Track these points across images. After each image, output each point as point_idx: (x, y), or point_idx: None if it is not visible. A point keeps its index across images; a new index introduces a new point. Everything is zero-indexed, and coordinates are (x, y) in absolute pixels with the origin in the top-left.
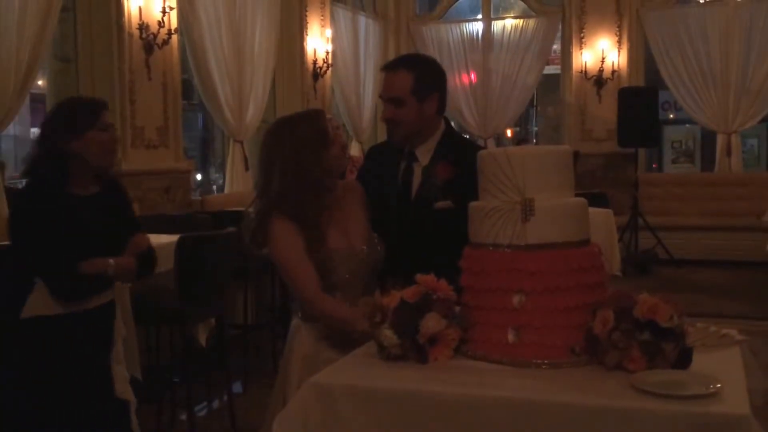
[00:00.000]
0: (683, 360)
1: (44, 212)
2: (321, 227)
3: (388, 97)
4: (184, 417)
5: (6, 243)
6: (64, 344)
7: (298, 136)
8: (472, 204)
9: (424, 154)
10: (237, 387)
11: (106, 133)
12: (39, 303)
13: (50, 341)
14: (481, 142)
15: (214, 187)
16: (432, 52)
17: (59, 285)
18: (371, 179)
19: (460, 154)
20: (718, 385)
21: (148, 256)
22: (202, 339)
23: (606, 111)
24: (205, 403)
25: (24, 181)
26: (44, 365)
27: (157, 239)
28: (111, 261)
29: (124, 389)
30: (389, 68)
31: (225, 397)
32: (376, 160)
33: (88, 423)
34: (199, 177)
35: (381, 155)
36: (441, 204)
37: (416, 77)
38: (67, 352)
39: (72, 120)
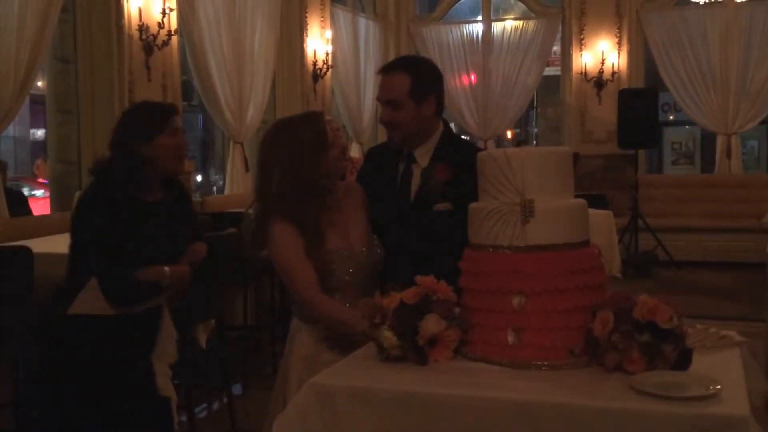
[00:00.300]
0: (683, 361)
1: (110, 215)
2: (320, 228)
3: (385, 100)
4: (183, 418)
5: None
6: (109, 344)
7: (297, 138)
8: (472, 205)
9: (422, 156)
10: (237, 388)
11: (176, 137)
12: (89, 301)
13: (95, 339)
14: (481, 144)
15: (214, 188)
16: (432, 54)
17: (115, 289)
18: (370, 181)
19: (459, 156)
20: (718, 387)
21: (204, 264)
22: (202, 340)
23: (606, 112)
24: (204, 405)
25: (91, 181)
26: (87, 362)
27: None
28: (167, 269)
29: (165, 386)
30: (386, 71)
31: (225, 399)
32: (376, 161)
33: (130, 420)
34: (199, 178)
35: (380, 156)
36: (440, 206)
37: (413, 79)
38: (110, 352)
39: (142, 125)
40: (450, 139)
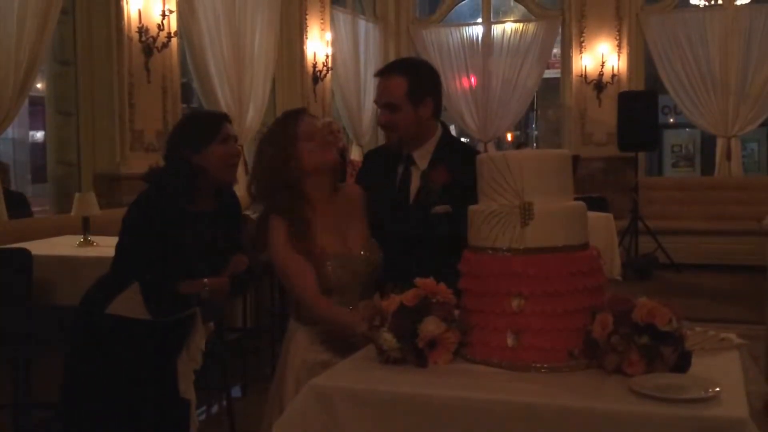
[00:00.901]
0: (682, 364)
1: (160, 223)
2: (314, 229)
3: (383, 103)
4: None
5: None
6: (140, 346)
7: (271, 132)
8: (471, 207)
9: (422, 158)
10: (236, 391)
11: (227, 146)
12: (127, 304)
13: (127, 341)
14: (481, 146)
15: None
16: (432, 56)
17: (155, 299)
18: (369, 182)
19: (458, 158)
20: (717, 389)
21: (243, 279)
22: (202, 343)
23: (606, 115)
24: (204, 407)
25: (145, 187)
26: (113, 362)
27: None
28: (206, 282)
29: (187, 388)
30: (383, 74)
31: (224, 401)
32: (375, 163)
33: (150, 420)
34: None
35: (379, 158)
36: (439, 208)
37: (410, 82)
38: (141, 354)
39: (193, 134)
40: (449, 141)
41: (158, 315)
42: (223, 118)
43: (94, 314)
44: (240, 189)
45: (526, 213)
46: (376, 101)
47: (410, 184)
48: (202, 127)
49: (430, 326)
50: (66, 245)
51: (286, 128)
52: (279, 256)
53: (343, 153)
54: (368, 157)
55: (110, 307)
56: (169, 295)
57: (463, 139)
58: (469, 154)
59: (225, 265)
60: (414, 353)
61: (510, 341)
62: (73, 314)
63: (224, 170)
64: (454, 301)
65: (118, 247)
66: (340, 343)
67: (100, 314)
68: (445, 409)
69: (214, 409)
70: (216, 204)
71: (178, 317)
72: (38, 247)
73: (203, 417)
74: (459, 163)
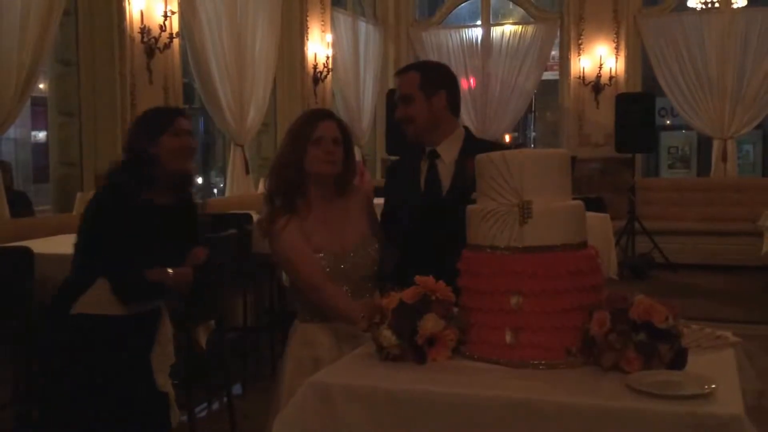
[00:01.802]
0: (678, 361)
1: (120, 215)
2: (309, 227)
3: (398, 96)
4: (184, 418)
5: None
6: (109, 343)
7: (290, 128)
8: (470, 207)
9: (447, 152)
10: (236, 389)
11: (180, 138)
12: (93, 301)
13: (95, 340)
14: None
15: (215, 190)
16: (431, 58)
17: (124, 286)
18: (395, 189)
19: (490, 150)
20: (713, 386)
21: (206, 269)
22: (202, 341)
23: (603, 117)
24: (205, 405)
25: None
26: (87, 361)
27: None
28: (170, 271)
29: (164, 382)
30: (399, 72)
31: (225, 399)
32: (396, 171)
33: (128, 415)
34: (199, 180)
35: (400, 166)
36: (476, 194)
37: (422, 75)
38: (111, 350)
39: (148, 126)
40: (475, 139)
41: (128, 302)
42: (177, 112)
43: (61, 316)
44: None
45: (524, 212)
46: (395, 101)
47: (439, 178)
48: (156, 119)
49: (430, 324)
50: (67, 244)
51: (303, 126)
52: (286, 245)
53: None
54: (389, 171)
55: (75, 306)
56: (137, 282)
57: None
58: (498, 147)
59: (184, 257)
60: (413, 350)
61: (508, 339)
62: (42, 318)
63: (175, 161)
64: (453, 299)
65: (78, 246)
66: (342, 342)
67: (66, 315)
68: (444, 405)
69: (215, 406)
70: (174, 198)
71: (144, 312)
72: (40, 246)
73: (204, 414)
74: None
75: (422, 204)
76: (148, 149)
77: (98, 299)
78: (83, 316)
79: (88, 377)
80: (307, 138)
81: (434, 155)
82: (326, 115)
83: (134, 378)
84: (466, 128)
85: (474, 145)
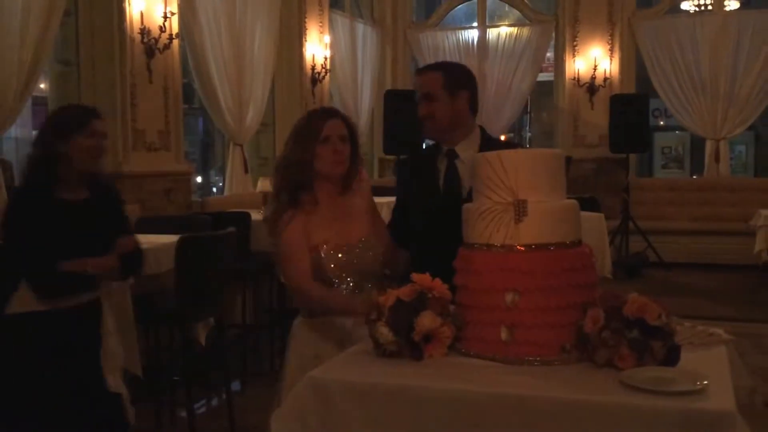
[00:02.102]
0: (671, 358)
1: (30, 214)
2: (314, 223)
3: (422, 94)
4: (183, 415)
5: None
6: (49, 341)
7: (296, 124)
8: (466, 205)
9: (465, 151)
10: (235, 386)
11: (93, 139)
12: (23, 300)
13: (34, 338)
14: None
15: (214, 189)
16: (428, 59)
17: (40, 282)
18: (409, 191)
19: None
20: (705, 382)
21: (135, 255)
22: (202, 338)
23: (598, 117)
24: (204, 402)
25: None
26: (31, 361)
27: (158, 240)
28: (90, 261)
29: (116, 384)
30: (421, 71)
31: (224, 396)
32: (410, 170)
33: (79, 417)
34: (199, 179)
35: (414, 163)
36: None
37: (445, 74)
38: (52, 349)
39: (61, 125)
40: (491, 138)
41: (47, 298)
42: (92, 114)
43: None
44: (240, 188)
45: (519, 210)
46: (416, 99)
47: (459, 177)
48: (70, 119)
49: (426, 320)
50: None
51: (310, 128)
52: (285, 240)
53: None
54: (402, 169)
55: (8, 306)
56: (53, 275)
57: None
58: (513, 146)
59: (111, 246)
60: (410, 347)
61: (504, 335)
62: None
63: (87, 161)
64: (450, 297)
65: (2, 245)
66: (341, 338)
67: (1, 316)
68: (440, 401)
69: (214, 403)
70: (90, 193)
71: (81, 304)
72: None
73: (204, 410)
74: None
75: (442, 203)
76: (58, 147)
77: (27, 297)
78: (18, 315)
79: (32, 378)
80: (315, 137)
81: (453, 155)
82: (333, 113)
83: (81, 379)
84: (481, 127)
85: (491, 144)
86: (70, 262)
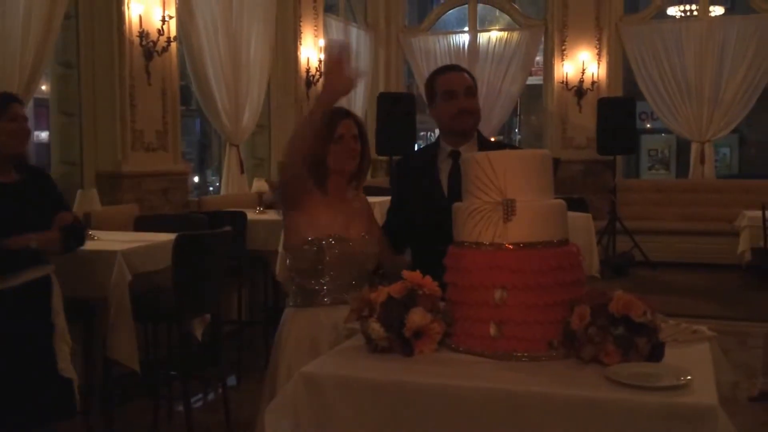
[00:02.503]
0: (656, 354)
1: None
2: (319, 210)
3: (464, 87)
4: (180, 408)
5: None
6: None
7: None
8: (456, 205)
9: (468, 152)
10: (231, 380)
11: (15, 123)
12: None
13: None
14: None
15: (211, 189)
16: (420, 63)
17: None
18: (410, 191)
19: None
20: (688, 378)
21: (75, 229)
22: (198, 334)
23: (586, 120)
24: (200, 396)
25: None
26: None
27: (155, 238)
28: (32, 236)
29: (66, 367)
30: (452, 69)
31: (220, 390)
32: (411, 168)
33: (29, 399)
34: (196, 179)
35: (414, 163)
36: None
37: (470, 77)
38: (3, 328)
39: None
40: (487, 140)
41: None
42: (11, 99)
43: None
44: (236, 187)
45: (508, 209)
46: (450, 90)
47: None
48: None
49: (417, 317)
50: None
51: (324, 128)
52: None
53: (355, 158)
54: (401, 170)
55: None
56: None
57: None
58: (509, 147)
59: (50, 223)
60: (401, 342)
61: (492, 332)
62: None
63: (12, 145)
64: (440, 294)
65: None
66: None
67: None
68: (430, 395)
69: (210, 396)
70: (21, 176)
71: (31, 280)
72: None
73: (200, 404)
74: None
75: (448, 204)
76: None
77: None
78: None
79: None
80: (329, 137)
81: (457, 155)
82: (345, 113)
83: (33, 361)
84: (478, 130)
85: (490, 146)
86: (13, 239)
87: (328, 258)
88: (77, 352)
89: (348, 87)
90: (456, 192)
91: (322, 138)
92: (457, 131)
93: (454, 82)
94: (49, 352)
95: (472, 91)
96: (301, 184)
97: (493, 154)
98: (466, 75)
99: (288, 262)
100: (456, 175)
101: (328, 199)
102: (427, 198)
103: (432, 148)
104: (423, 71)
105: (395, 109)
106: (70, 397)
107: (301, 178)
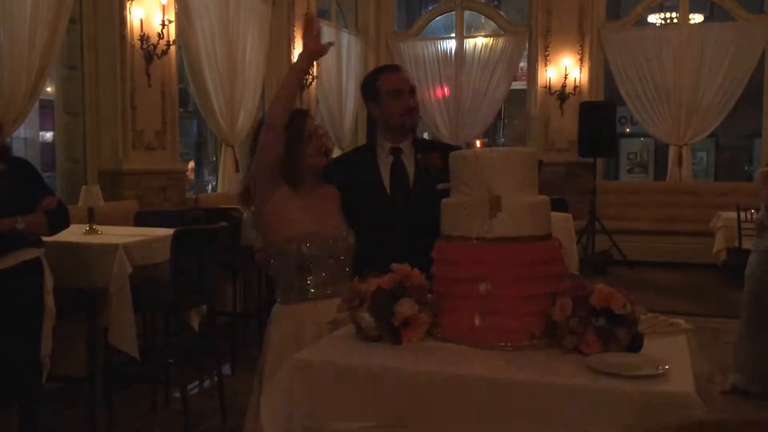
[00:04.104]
0: (635, 344)
1: None
2: (293, 208)
3: (409, 87)
4: (177, 395)
5: None
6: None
7: (291, 126)
8: (444, 200)
9: (408, 149)
10: (226, 369)
11: None
12: None
13: None
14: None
15: (209, 187)
16: (409, 67)
17: None
18: (352, 185)
19: (442, 148)
20: (666, 367)
21: (60, 212)
22: (195, 325)
23: (568, 123)
24: (196, 383)
25: None
26: None
27: (154, 232)
28: (19, 218)
29: (46, 351)
30: (395, 68)
31: (215, 378)
32: (348, 165)
33: (7, 378)
34: (193, 177)
35: (352, 160)
36: (442, 185)
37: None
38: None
39: None
40: (420, 138)
41: None
42: None
43: None
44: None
45: (494, 205)
46: (397, 89)
47: (406, 172)
48: None
49: (405, 308)
50: (73, 233)
51: (293, 127)
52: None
53: (328, 153)
54: (340, 165)
55: None
56: None
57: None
58: (447, 146)
59: (35, 208)
60: (390, 332)
61: (477, 322)
62: None
63: None
64: (427, 285)
65: None
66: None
67: None
68: (417, 381)
69: (206, 384)
70: (3, 165)
71: (21, 263)
72: None
73: (196, 391)
74: (446, 152)
75: (390, 200)
76: None
77: None
78: None
79: None
80: (300, 137)
81: (399, 151)
82: (305, 114)
83: (20, 339)
84: None
85: (424, 143)
86: (0, 220)
87: (308, 255)
88: (80, 339)
89: (323, 51)
90: (397, 187)
91: (293, 140)
92: (406, 128)
93: (400, 82)
94: (35, 336)
95: (414, 90)
96: (277, 164)
97: (481, 152)
98: (407, 75)
99: (272, 260)
100: (398, 170)
101: (299, 195)
102: (369, 193)
103: (369, 146)
104: (412, 75)
105: None
106: (39, 381)
107: (279, 157)
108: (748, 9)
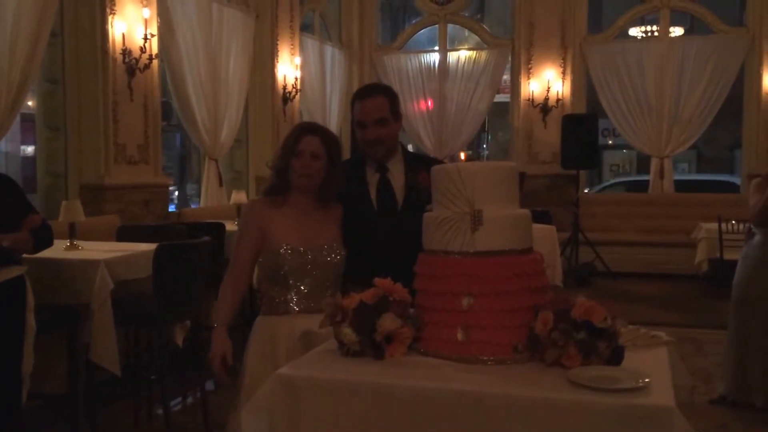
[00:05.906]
0: (616, 357)
1: None
2: (275, 224)
3: (374, 119)
4: (160, 411)
5: None
6: None
7: (283, 141)
8: (426, 214)
9: (395, 167)
10: (209, 385)
11: None
12: None
13: None
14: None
15: (191, 201)
16: (393, 80)
17: None
18: (342, 196)
19: (433, 164)
20: (647, 380)
21: (45, 230)
22: (179, 340)
23: (551, 136)
24: (179, 399)
25: None
26: None
27: (137, 247)
28: (3, 236)
29: (27, 368)
30: (367, 95)
31: (198, 394)
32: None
33: None
34: (176, 194)
35: (346, 175)
36: (430, 206)
37: (390, 100)
38: None
39: None
40: (412, 154)
41: None
42: None
43: None
44: (215, 199)
45: (476, 219)
46: (362, 120)
47: (393, 190)
48: None
49: (387, 322)
50: (54, 249)
51: (289, 141)
52: (242, 215)
53: (310, 178)
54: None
55: None
56: None
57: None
58: (436, 162)
59: (17, 225)
60: (372, 346)
61: (460, 336)
62: None
63: None
64: (410, 300)
65: None
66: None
67: None
68: (399, 396)
69: (189, 400)
70: None
71: (4, 282)
72: None
73: (179, 407)
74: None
75: (378, 217)
76: None
77: None
78: None
79: None
80: (291, 150)
81: (385, 169)
82: (310, 129)
83: (2, 358)
84: (402, 145)
85: (414, 159)
86: None
87: (286, 267)
88: (61, 355)
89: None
90: (384, 205)
91: (285, 148)
92: (371, 158)
93: (364, 112)
94: (17, 352)
95: (383, 120)
96: None
97: (463, 166)
98: (380, 100)
99: (255, 281)
100: (384, 188)
101: (286, 210)
102: (357, 209)
103: (361, 159)
104: (396, 88)
105: None
106: (20, 395)
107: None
108: (728, 22)
